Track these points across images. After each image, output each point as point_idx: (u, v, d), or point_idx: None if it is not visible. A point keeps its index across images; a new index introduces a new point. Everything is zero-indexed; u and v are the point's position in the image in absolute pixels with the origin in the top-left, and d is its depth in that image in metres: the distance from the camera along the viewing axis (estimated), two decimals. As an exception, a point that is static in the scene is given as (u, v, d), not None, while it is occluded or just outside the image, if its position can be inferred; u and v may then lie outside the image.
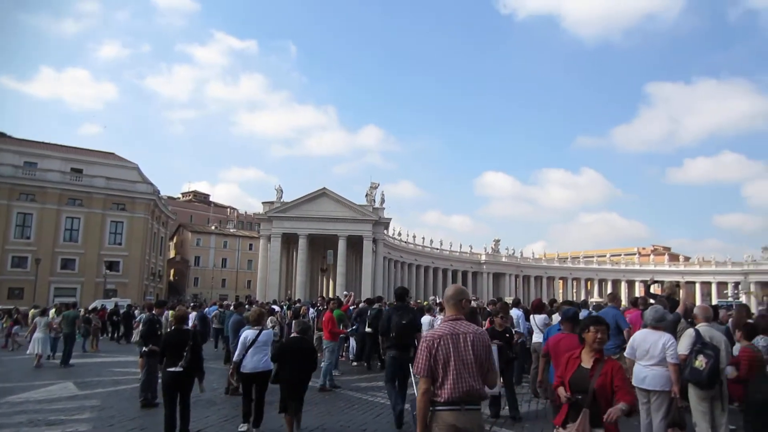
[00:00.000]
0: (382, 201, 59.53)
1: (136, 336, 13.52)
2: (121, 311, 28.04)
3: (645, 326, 6.73)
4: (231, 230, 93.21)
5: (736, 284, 74.93)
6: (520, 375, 12.11)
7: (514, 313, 12.95)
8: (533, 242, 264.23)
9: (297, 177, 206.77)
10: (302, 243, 56.18)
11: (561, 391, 4.41)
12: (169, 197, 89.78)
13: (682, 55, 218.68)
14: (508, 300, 19.74)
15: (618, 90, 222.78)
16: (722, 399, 6.49)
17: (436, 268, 74.34)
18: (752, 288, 73.61)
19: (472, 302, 24.52)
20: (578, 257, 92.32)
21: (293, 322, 9.66)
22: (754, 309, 28.59)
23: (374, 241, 57.86)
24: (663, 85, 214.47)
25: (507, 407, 9.06)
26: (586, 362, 4.41)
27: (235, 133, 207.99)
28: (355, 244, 58.19)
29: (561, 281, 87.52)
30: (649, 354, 6.45)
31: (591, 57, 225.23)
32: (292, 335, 8.10)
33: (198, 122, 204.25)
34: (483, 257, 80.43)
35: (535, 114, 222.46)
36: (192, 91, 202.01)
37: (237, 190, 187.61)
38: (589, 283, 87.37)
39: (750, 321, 8.03)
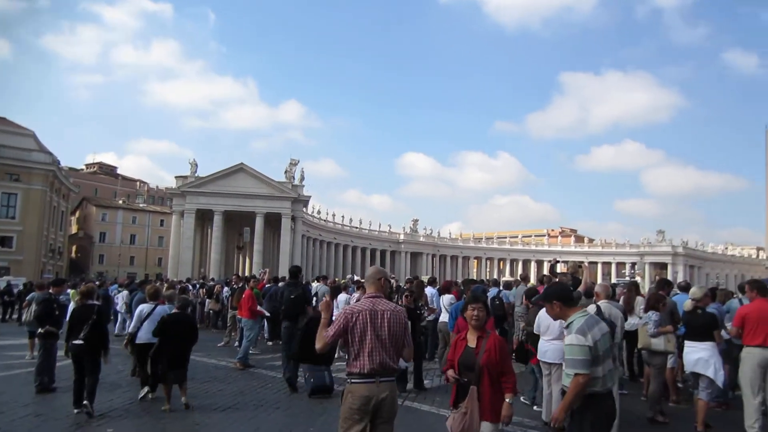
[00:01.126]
0: (302, 178, 58.77)
1: (25, 316, 12.50)
2: (16, 290, 26.01)
3: None
4: (141, 205, 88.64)
5: (633, 264, 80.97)
6: (432, 351, 12.41)
7: (429, 291, 13.21)
8: (450, 222, 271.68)
9: (213, 151, 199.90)
10: (218, 219, 54.43)
11: (450, 373, 4.51)
12: (71, 168, 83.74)
13: (593, 47, 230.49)
14: (425, 279, 20.14)
15: (534, 77, 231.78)
16: (615, 370, 7.00)
17: (355, 247, 74.69)
18: (646, 268, 79.75)
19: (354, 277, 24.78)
20: (492, 238, 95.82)
21: (177, 297, 9.79)
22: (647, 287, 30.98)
23: (293, 218, 57.11)
24: (575, 75, 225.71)
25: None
26: (471, 341, 4.49)
27: (145, 103, 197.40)
28: (273, 221, 57.16)
29: (476, 261, 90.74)
30: (550, 330, 6.90)
31: (511, 43, 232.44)
32: (173, 311, 8.57)
33: (105, 89, 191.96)
34: (401, 237, 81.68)
35: (456, 97, 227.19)
36: (98, 55, 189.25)
37: (147, 163, 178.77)
38: (501, 262, 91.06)
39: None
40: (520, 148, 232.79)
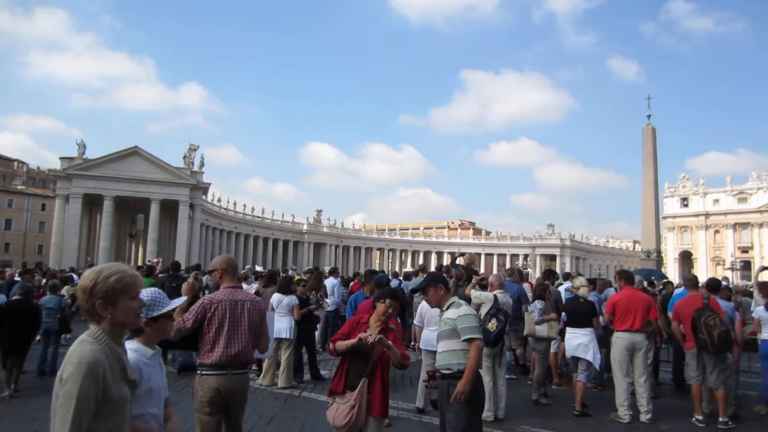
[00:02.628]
0: (202, 164, 56.32)
1: None
2: None
3: None
4: (18, 187, 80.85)
5: (526, 256, 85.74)
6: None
7: (330, 281, 13.20)
8: (354, 213, 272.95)
9: (104, 132, 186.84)
10: (108, 205, 50.86)
11: (339, 343, 4.25)
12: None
13: (493, 46, 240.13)
14: (326, 269, 20.07)
15: (438, 73, 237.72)
16: (501, 355, 7.40)
17: (257, 237, 72.88)
18: (537, 260, 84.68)
19: (290, 271, 24.52)
20: (395, 229, 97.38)
21: (17, 284, 9.89)
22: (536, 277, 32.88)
23: (191, 206, 54.66)
24: (476, 73, 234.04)
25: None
26: (372, 330, 4.33)
27: (25, 75, 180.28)
28: (169, 208, 54.38)
29: (378, 252, 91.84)
30: (436, 319, 7.10)
31: (415, 38, 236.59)
32: (14, 297, 8.68)
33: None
34: (305, 227, 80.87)
35: (363, 89, 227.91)
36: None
37: (27, 141, 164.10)
38: (404, 254, 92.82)
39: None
40: (423, 142, 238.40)
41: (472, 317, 4.47)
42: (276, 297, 9.10)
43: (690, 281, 8.63)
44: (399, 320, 8.12)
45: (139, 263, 37.86)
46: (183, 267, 19.32)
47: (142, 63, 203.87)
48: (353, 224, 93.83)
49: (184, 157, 55.44)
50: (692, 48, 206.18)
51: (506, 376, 9.13)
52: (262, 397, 8.38)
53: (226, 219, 67.51)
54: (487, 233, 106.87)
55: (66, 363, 2.05)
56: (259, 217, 74.60)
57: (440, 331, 4.65)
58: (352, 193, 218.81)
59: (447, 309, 4.59)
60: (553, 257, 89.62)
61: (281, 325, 8.94)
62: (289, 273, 20.65)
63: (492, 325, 6.95)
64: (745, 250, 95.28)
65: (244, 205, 73.01)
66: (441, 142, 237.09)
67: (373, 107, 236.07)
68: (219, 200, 67.34)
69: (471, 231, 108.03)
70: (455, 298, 4.67)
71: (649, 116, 39.54)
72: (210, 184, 57.76)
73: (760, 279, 10.24)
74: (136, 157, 52.19)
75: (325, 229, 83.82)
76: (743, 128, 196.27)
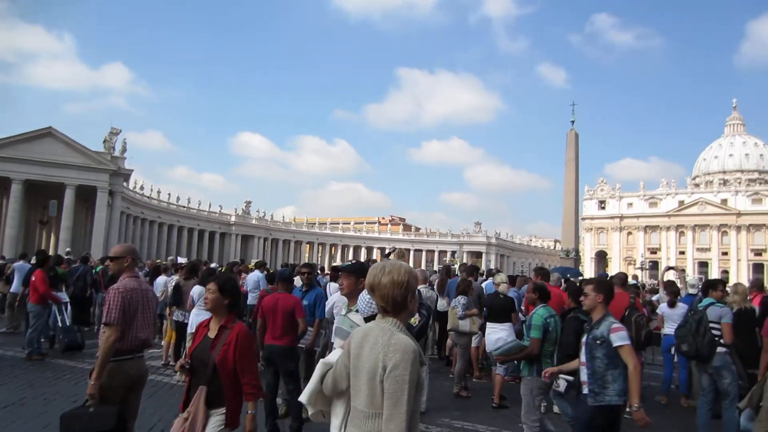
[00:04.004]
0: (124, 150, 53.53)
1: None
2: None
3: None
4: None
5: (453, 253, 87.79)
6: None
7: (256, 275, 12.93)
8: (285, 206, 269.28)
9: (14, 110, 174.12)
10: (16, 189, 47.35)
11: (179, 362, 3.83)
12: None
13: (429, 46, 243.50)
14: (253, 262, 19.66)
15: (374, 69, 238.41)
16: (425, 350, 7.51)
17: (181, 228, 70.35)
18: (464, 256, 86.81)
19: (211, 265, 23.82)
20: (326, 223, 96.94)
21: None
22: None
23: (111, 193, 51.87)
24: (411, 71, 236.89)
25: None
26: (213, 331, 3.77)
27: None
28: (87, 195, 51.38)
29: (308, 245, 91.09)
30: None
31: (353, 33, 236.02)
32: None
33: None
34: (233, 218, 78.88)
35: (298, 82, 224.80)
36: None
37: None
38: (333, 248, 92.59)
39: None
40: (357, 137, 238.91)
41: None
42: (197, 290, 8.79)
43: (620, 279, 9.06)
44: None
45: (50, 252, 35.61)
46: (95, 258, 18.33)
47: (61, 39, 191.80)
48: (283, 217, 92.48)
49: (104, 141, 52.47)
50: (614, 60, 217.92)
51: (428, 371, 9.30)
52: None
53: (149, 208, 64.73)
54: (417, 230, 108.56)
55: (389, 351, 2.34)
56: (184, 206, 72.03)
57: (337, 327, 4.34)
58: (283, 185, 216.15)
59: (355, 311, 4.13)
60: (479, 254, 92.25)
61: (202, 318, 8.61)
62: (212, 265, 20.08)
63: (415, 319, 7.03)
64: (653, 251, 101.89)
65: (169, 194, 70.34)
66: (375, 138, 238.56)
67: (308, 100, 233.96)
68: (142, 188, 64.44)
69: (401, 227, 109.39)
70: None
71: (573, 122, 41.35)
72: (132, 170, 55.11)
73: (665, 278, 10.94)
74: (50, 139, 48.83)
75: (254, 222, 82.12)
76: (655, 138, 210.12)
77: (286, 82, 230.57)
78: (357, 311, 4.22)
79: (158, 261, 24.24)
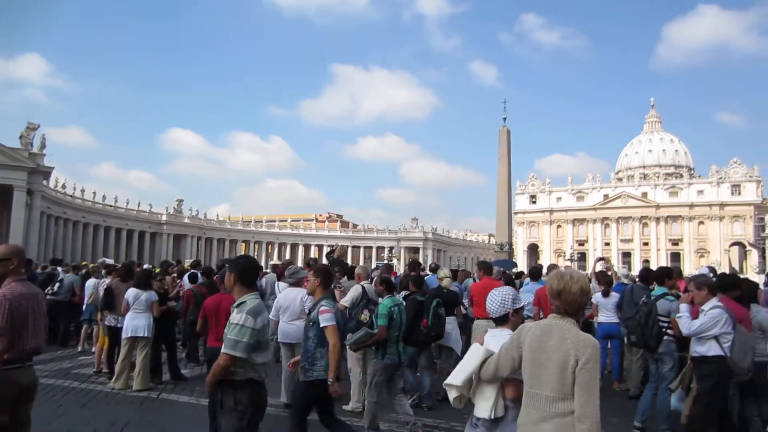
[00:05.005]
0: (43, 146, 50.42)
1: None
2: None
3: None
4: None
5: (391, 249, 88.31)
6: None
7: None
8: (218, 204, 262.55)
9: None
10: None
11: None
12: None
13: (364, 42, 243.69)
14: (188, 263, 19.06)
15: (308, 65, 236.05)
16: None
17: (108, 227, 67.13)
18: (402, 252, 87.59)
19: (144, 266, 23.00)
20: (261, 221, 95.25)
21: None
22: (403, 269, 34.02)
23: (29, 192, 48.78)
24: (346, 68, 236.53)
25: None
26: None
27: None
28: (2, 194, 48.08)
29: (244, 244, 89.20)
30: (290, 311, 7.16)
31: (287, 27, 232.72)
32: None
33: None
34: (164, 217, 76.09)
35: (230, 77, 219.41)
36: None
37: None
38: (270, 246, 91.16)
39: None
40: (292, 133, 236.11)
41: (239, 328, 3.84)
42: (132, 292, 8.41)
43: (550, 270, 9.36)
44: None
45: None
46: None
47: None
48: (217, 215, 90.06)
49: (21, 137, 49.23)
50: (543, 58, 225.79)
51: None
52: (115, 402, 7.72)
53: (72, 207, 61.39)
54: (355, 226, 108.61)
55: (580, 346, 2.81)
56: (111, 205, 68.83)
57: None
58: (216, 182, 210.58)
59: (238, 305, 4.03)
60: (416, 249, 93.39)
61: (138, 322, 8.30)
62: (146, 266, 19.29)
63: (365, 316, 7.03)
64: (581, 243, 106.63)
65: (94, 193, 66.95)
66: (310, 134, 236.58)
67: (241, 95, 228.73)
68: (63, 186, 61.00)
69: (339, 224, 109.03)
70: (247, 297, 4.02)
71: (504, 119, 42.48)
72: (53, 168, 52.09)
73: (597, 269, 11.43)
74: (-41, 135, 45.34)
75: (186, 220, 79.54)
76: (582, 134, 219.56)
77: (218, 77, 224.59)
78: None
79: (84, 263, 22.98)
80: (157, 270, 13.49)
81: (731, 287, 6.07)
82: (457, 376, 3.52)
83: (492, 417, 3.45)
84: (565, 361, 2.83)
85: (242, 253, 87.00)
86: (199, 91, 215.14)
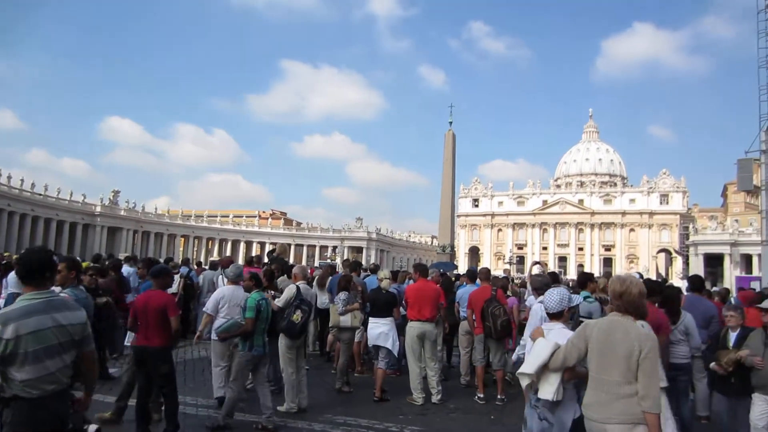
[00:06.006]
0: (-34, 130, 47.32)
1: None
2: None
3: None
4: None
5: (334, 248, 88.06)
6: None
7: (125, 270, 12.03)
8: (157, 197, 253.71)
9: None
10: None
11: None
12: None
13: (314, 39, 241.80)
14: (122, 256, 18.33)
15: (257, 59, 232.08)
16: (305, 347, 7.48)
17: (36, 217, 63.52)
18: (345, 252, 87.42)
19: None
20: (202, 216, 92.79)
21: None
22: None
23: (-51, 178, 45.67)
24: (295, 64, 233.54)
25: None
26: None
27: None
28: None
29: (183, 239, 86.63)
30: (227, 307, 7.21)
31: (236, 19, 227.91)
32: None
33: None
34: (98, 208, 72.69)
35: (174, 66, 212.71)
36: None
37: None
38: (210, 242, 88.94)
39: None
40: (237, 128, 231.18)
41: None
42: (59, 288, 7.98)
43: (484, 273, 9.54)
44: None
45: None
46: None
47: None
48: (156, 208, 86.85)
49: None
50: (489, 66, 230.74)
51: (306, 367, 9.29)
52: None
53: (-3, 195, 57.81)
54: (298, 224, 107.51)
55: (643, 339, 3.49)
56: (40, 194, 65.11)
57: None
58: (155, 174, 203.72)
59: None
60: (360, 249, 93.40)
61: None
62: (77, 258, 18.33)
63: (297, 316, 6.99)
64: (520, 247, 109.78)
65: (22, 180, 63.10)
66: (256, 129, 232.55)
67: (185, 86, 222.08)
68: (-13, 173, 57.33)
69: (282, 221, 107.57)
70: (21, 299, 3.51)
71: (450, 123, 43.20)
72: (-24, 153, 48.87)
73: (533, 272, 11.78)
74: None
75: (122, 213, 76.34)
76: (524, 141, 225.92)
77: (161, 65, 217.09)
78: None
79: (6, 254, 21.66)
80: (86, 264, 12.86)
81: (653, 293, 6.38)
82: (529, 366, 4.18)
83: (555, 399, 4.11)
84: (630, 352, 3.46)
85: (181, 248, 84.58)
86: (140, 79, 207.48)
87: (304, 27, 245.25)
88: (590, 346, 3.72)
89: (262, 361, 6.79)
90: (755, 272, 49.04)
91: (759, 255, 42.69)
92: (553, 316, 4.58)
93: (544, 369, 4.12)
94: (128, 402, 6.36)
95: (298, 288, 7.37)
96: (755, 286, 21.01)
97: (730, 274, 59.86)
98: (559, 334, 4.26)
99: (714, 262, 68.30)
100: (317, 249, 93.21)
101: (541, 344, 4.21)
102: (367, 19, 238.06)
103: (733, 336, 5.74)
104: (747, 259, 65.03)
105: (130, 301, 9.52)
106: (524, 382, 4.32)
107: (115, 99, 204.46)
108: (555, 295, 4.61)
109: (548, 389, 4.13)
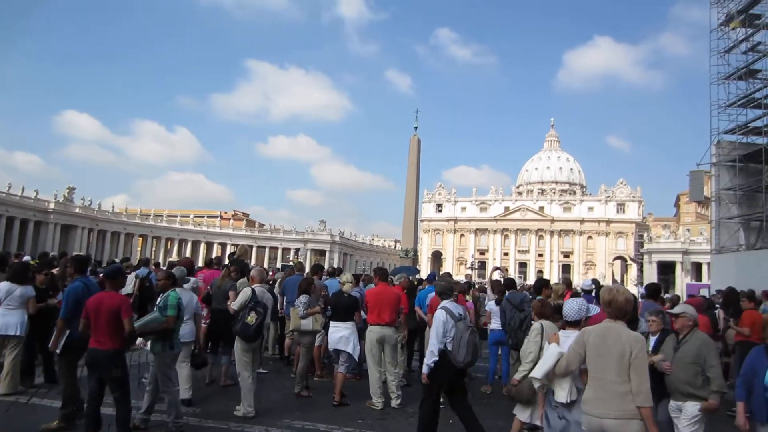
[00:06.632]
0: None
1: None
2: None
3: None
4: None
5: (297, 250, 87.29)
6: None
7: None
8: (115, 195, 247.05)
9: None
10: None
11: None
12: None
13: (281, 40, 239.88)
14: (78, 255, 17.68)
15: (222, 58, 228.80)
16: (261, 350, 7.38)
17: (-16, 214, 61.01)
18: (308, 254, 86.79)
19: (24, 258, 21.21)
20: (162, 215, 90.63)
21: None
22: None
23: None
24: (262, 64, 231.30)
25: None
26: None
27: None
28: None
29: (141, 239, 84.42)
30: (186, 310, 7.10)
31: (202, 16, 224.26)
32: None
33: None
34: (51, 205, 70.09)
35: (137, 61, 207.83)
36: None
37: None
38: (169, 242, 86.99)
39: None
40: (200, 127, 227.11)
41: None
42: (5, 286, 7.66)
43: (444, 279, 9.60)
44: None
45: None
46: None
47: None
48: (113, 207, 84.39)
49: None
50: (455, 72, 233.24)
51: (261, 372, 9.20)
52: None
53: (-58, 190, 55.18)
54: (261, 226, 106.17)
55: (633, 342, 3.92)
56: (-11, 189, 62.51)
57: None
58: (114, 172, 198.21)
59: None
60: (323, 252, 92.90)
61: (10, 319, 7.57)
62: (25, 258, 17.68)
63: (251, 318, 6.90)
64: (482, 252, 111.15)
65: (-31, 175, 60.46)
66: (220, 129, 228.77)
67: (148, 82, 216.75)
68: (-67, 166, 54.68)
69: (244, 222, 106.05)
70: None
71: (416, 128, 43.34)
72: None
73: (492, 278, 11.91)
74: None
75: (77, 210, 73.87)
76: (487, 148, 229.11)
77: (123, 60, 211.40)
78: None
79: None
80: (34, 262, 12.38)
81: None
82: (539, 372, 4.69)
83: (568, 401, 4.58)
84: (622, 353, 3.89)
85: (139, 248, 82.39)
86: (100, 73, 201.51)
87: (272, 27, 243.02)
88: (588, 349, 4.14)
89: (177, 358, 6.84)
90: (705, 280, 50.96)
91: (708, 263, 44.43)
92: (571, 324, 4.92)
93: (553, 374, 4.60)
94: (76, 407, 6.17)
95: (253, 290, 7.29)
96: (705, 293, 21.85)
97: (682, 282, 62.04)
98: (568, 341, 4.61)
99: (666, 269, 70.53)
100: (280, 251, 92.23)
101: (549, 351, 4.69)
102: (336, 22, 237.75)
103: (653, 340, 5.81)
104: (697, 267, 67.45)
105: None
106: (536, 385, 4.86)
107: (73, 93, 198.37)
108: (574, 305, 4.97)
109: (561, 393, 4.62)
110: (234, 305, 7.21)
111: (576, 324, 4.88)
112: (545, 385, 4.73)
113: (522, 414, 5.81)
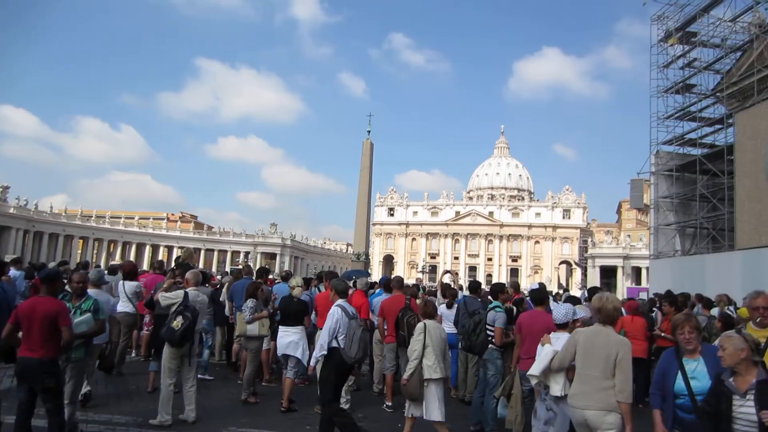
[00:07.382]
0: None
1: None
2: None
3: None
4: None
5: (247, 254, 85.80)
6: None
7: (12, 273, 11.05)
8: (53, 195, 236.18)
9: None
10: None
11: None
12: None
13: (233, 39, 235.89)
14: (8, 258, 16.83)
15: (171, 55, 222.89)
16: (190, 356, 7.11)
17: None
18: (258, 258, 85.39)
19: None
20: (105, 216, 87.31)
21: None
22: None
23: None
24: (212, 63, 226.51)
25: None
26: None
27: None
28: None
29: (81, 241, 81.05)
30: None
31: (149, 11, 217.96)
32: None
33: None
34: (-17, 206, 66.60)
35: (79, 54, 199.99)
36: None
37: None
38: (113, 244, 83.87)
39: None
40: (147, 125, 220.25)
41: None
42: None
43: (397, 282, 9.59)
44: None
45: None
46: None
47: None
48: (51, 207, 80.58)
49: None
50: (408, 77, 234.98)
51: (204, 377, 8.96)
52: None
53: None
54: (210, 228, 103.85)
55: (619, 344, 4.48)
56: None
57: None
58: (52, 171, 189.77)
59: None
60: (273, 255, 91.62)
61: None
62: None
63: (177, 323, 6.66)
64: (433, 256, 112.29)
65: None
66: (167, 128, 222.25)
67: (89, 78, 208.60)
68: None
69: (192, 224, 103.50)
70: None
71: (369, 132, 43.40)
72: None
73: (443, 281, 12.02)
74: None
75: (12, 210, 70.15)
76: (438, 153, 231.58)
77: (64, 53, 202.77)
78: None
79: None
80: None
81: (541, 301, 6.86)
82: (536, 369, 5.12)
83: (562, 394, 4.96)
84: (609, 354, 4.40)
85: (79, 251, 79.05)
86: (39, 67, 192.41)
87: (223, 25, 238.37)
88: (578, 348, 4.64)
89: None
90: (644, 283, 53.17)
91: (647, 268, 46.37)
92: (560, 327, 5.40)
93: (549, 371, 5.06)
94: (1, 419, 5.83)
95: (186, 294, 7.06)
96: (643, 296, 22.77)
97: (623, 285, 64.47)
98: (562, 342, 5.09)
99: (609, 273, 73.20)
100: (229, 254, 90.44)
101: (545, 351, 5.15)
102: (290, 23, 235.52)
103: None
104: (637, 272, 70.36)
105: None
106: (533, 382, 5.34)
107: (8, 87, 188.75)
108: (561, 309, 5.55)
109: (555, 387, 5.08)
110: (162, 301, 7.05)
111: (564, 326, 5.37)
112: (541, 381, 5.20)
113: (416, 410, 6.31)
